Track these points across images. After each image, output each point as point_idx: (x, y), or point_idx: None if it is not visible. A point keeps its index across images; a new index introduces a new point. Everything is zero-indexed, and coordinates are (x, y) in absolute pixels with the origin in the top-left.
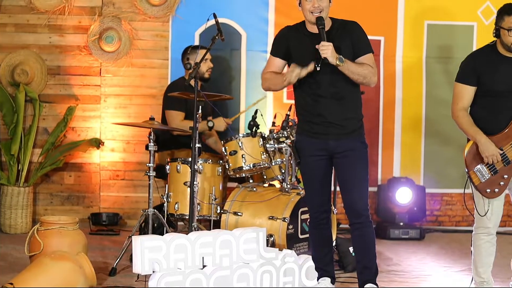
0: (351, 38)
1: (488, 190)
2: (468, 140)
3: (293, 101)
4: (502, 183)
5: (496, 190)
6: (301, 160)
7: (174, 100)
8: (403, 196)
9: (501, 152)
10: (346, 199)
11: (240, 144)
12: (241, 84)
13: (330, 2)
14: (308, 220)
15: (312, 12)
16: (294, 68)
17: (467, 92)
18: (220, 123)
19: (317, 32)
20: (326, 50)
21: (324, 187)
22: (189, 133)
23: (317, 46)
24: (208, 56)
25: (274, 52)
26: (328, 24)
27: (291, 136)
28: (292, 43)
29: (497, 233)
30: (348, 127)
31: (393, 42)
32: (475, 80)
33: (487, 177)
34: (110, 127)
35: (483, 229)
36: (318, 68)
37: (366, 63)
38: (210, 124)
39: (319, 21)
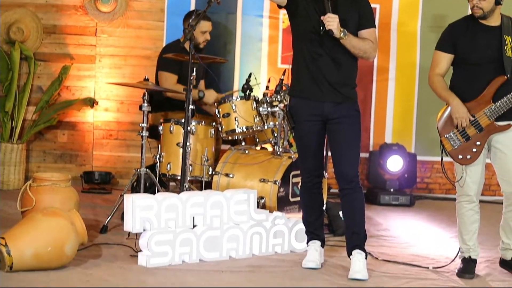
0: (359, 11)
1: (460, 157)
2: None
3: (287, 66)
4: (475, 149)
5: (469, 156)
6: (295, 125)
7: (168, 62)
8: (394, 164)
9: (473, 119)
10: (337, 164)
11: (234, 107)
12: (236, 48)
13: None
14: (299, 184)
15: None
16: None
17: (443, 59)
18: (210, 96)
19: None
20: (332, 22)
21: (318, 152)
22: (181, 94)
23: (322, 18)
24: (209, 28)
25: None
26: None
27: (284, 100)
28: (300, 2)
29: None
30: (344, 93)
31: (389, 10)
32: (452, 48)
33: (459, 144)
34: (105, 87)
35: (465, 197)
36: (321, 32)
37: (367, 38)
38: (201, 94)
39: None
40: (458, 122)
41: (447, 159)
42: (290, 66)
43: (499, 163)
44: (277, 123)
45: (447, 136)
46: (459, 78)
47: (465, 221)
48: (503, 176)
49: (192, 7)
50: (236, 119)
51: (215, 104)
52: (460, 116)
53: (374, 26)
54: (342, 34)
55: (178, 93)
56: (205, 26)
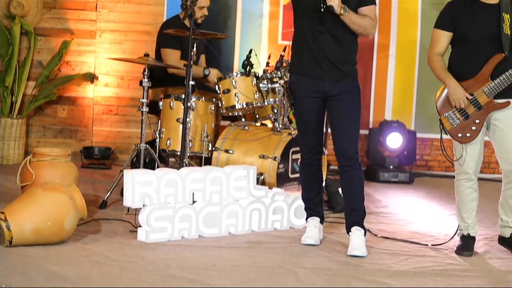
0: None
1: (460, 135)
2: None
3: (287, 42)
4: (474, 128)
5: (468, 135)
6: (295, 102)
7: (170, 38)
8: (394, 141)
9: (472, 97)
10: (336, 141)
11: (234, 83)
12: (236, 24)
13: None
14: (299, 160)
15: None
16: None
17: (443, 38)
18: (214, 74)
19: None
20: None
21: (317, 129)
22: (183, 71)
23: None
24: (206, 3)
25: None
26: None
27: (284, 77)
28: None
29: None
30: (345, 70)
31: None
32: (451, 26)
33: (458, 122)
34: (105, 62)
35: (464, 175)
36: (322, 10)
37: (367, 15)
38: (206, 72)
39: None
40: (456, 104)
41: (446, 136)
42: (291, 43)
43: (498, 141)
44: (277, 99)
45: (446, 114)
46: (458, 56)
47: (463, 199)
48: (501, 153)
49: None
50: (236, 95)
51: (216, 80)
52: (457, 98)
53: (374, 3)
54: (342, 10)
55: (181, 69)
56: (203, 1)
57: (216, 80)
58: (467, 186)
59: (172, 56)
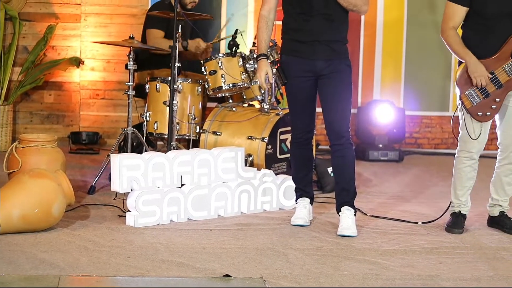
0: None
1: (480, 114)
2: (460, 63)
3: (275, 22)
4: (494, 106)
5: (488, 113)
6: (287, 81)
7: (155, 19)
8: (383, 117)
9: (492, 75)
10: (328, 120)
11: (220, 64)
12: (222, 4)
13: None
14: (287, 141)
15: None
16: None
17: (459, 12)
18: (194, 44)
19: None
20: None
21: (309, 108)
22: (167, 51)
23: None
24: None
25: None
26: None
27: (271, 57)
28: None
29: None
30: (336, 49)
31: None
32: (468, 1)
33: (479, 101)
34: (90, 46)
35: (466, 153)
36: None
37: None
38: (184, 44)
39: None
40: (477, 81)
41: (447, 113)
42: (280, 22)
43: (507, 116)
44: None
45: (467, 93)
46: (474, 33)
47: (461, 176)
48: (506, 128)
49: None
50: (223, 76)
51: (202, 62)
52: (479, 75)
53: None
54: None
55: (164, 50)
56: None
57: (194, 48)
58: (467, 164)
59: (155, 36)
